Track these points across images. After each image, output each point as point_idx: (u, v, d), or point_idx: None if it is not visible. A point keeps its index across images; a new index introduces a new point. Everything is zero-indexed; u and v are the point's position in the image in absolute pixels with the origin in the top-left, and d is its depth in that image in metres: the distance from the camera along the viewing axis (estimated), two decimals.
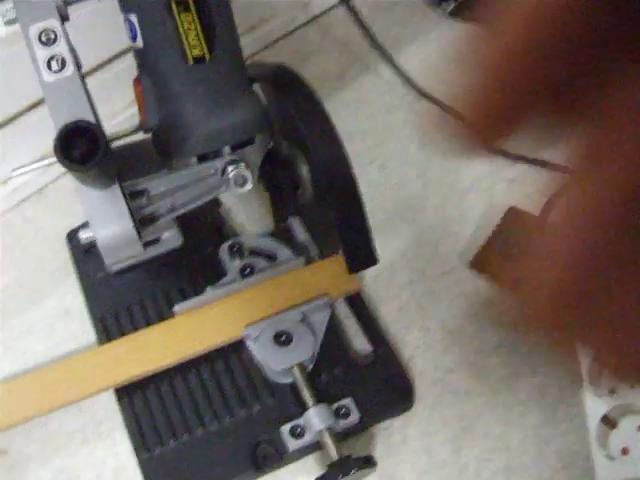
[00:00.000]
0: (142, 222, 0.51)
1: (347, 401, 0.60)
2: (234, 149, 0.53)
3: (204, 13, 0.49)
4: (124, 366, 0.62)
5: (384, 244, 0.71)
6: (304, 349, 0.61)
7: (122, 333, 0.64)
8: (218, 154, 0.52)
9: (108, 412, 0.62)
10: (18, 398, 0.61)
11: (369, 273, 0.70)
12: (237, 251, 0.65)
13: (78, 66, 0.49)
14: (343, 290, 0.65)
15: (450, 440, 0.62)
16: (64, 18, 0.48)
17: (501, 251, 0.64)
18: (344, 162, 0.52)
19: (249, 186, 0.51)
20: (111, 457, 0.61)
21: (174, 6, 0.48)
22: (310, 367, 0.62)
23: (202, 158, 0.52)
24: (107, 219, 0.47)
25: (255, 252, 0.65)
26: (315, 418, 0.58)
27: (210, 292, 0.63)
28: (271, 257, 0.66)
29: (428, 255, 0.71)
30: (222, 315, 0.63)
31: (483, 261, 0.66)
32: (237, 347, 0.63)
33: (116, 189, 0.47)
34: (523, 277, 0.22)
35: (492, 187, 0.74)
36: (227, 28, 0.51)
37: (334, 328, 0.65)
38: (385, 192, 0.75)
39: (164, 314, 0.64)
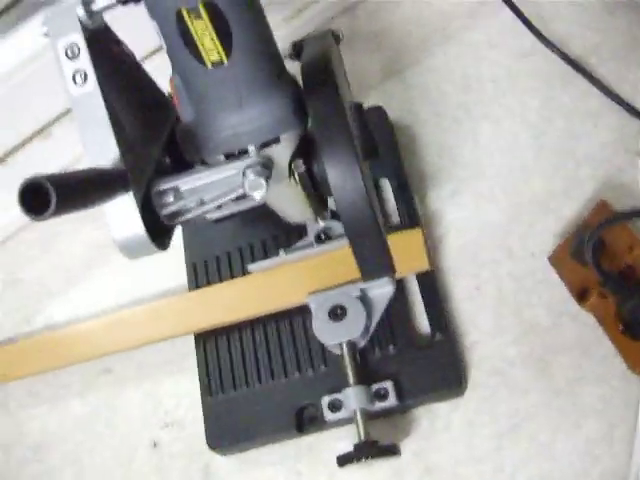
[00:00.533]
0: (171, 217, 0.54)
1: (388, 384, 0.61)
2: (260, 148, 0.53)
3: (217, 18, 0.48)
4: (204, 315, 0.68)
5: (476, 213, 0.68)
6: (355, 326, 0.62)
7: (209, 282, 0.70)
8: (243, 153, 0.53)
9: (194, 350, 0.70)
10: (121, 329, 0.71)
11: (452, 243, 0.68)
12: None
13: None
14: (409, 268, 0.64)
15: (494, 436, 0.61)
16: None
17: (575, 252, 0.58)
18: (361, 203, 0.50)
19: (258, 196, 0.52)
20: (189, 392, 0.69)
21: (185, 14, 0.48)
22: (362, 343, 0.63)
23: (229, 156, 0.54)
24: (120, 224, 0.51)
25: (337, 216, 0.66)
26: (352, 397, 0.60)
27: (282, 255, 0.65)
28: None
29: (521, 232, 0.66)
30: (290, 280, 0.66)
31: (558, 257, 0.61)
32: (302, 311, 0.66)
33: (129, 198, 0.51)
34: None
35: (612, 160, 0.66)
36: (247, 28, 0.50)
37: (398, 305, 0.65)
38: (492, 153, 0.69)
39: (246, 268, 0.69)
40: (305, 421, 0.63)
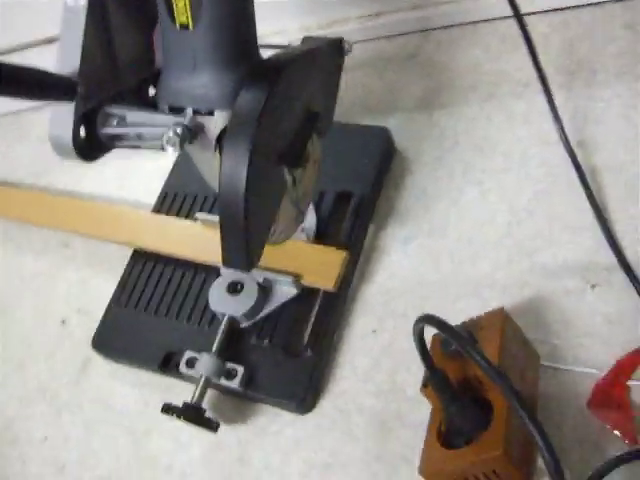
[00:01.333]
0: (110, 138, 0.60)
1: (240, 368, 0.64)
2: (195, 113, 0.57)
3: None
4: (150, 237, 0.74)
5: (415, 266, 0.68)
6: (242, 306, 0.66)
7: (168, 212, 0.76)
8: (181, 112, 0.57)
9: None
10: (86, 216, 0.79)
11: (379, 281, 0.69)
12: None
13: None
14: (315, 281, 0.66)
15: (308, 464, 0.62)
16: None
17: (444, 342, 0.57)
18: (236, 196, 0.52)
19: (170, 151, 0.56)
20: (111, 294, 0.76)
21: None
22: (245, 324, 0.67)
23: (172, 109, 0.58)
24: (56, 125, 0.58)
25: None
26: (204, 362, 0.64)
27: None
28: None
29: (441, 304, 0.65)
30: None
31: (434, 341, 0.60)
32: (218, 272, 0.70)
33: (71, 107, 0.57)
34: None
35: (564, 282, 0.64)
36: (218, 4, 0.54)
37: (298, 311, 0.67)
38: (463, 219, 0.69)
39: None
40: (168, 364, 0.68)
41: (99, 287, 0.76)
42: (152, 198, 0.78)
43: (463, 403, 0.54)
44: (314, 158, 0.64)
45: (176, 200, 0.76)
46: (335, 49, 0.63)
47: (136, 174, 0.82)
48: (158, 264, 0.73)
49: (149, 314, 0.71)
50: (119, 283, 0.73)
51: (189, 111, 0.57)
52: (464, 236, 0.69)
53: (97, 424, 0.70)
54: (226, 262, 0.56)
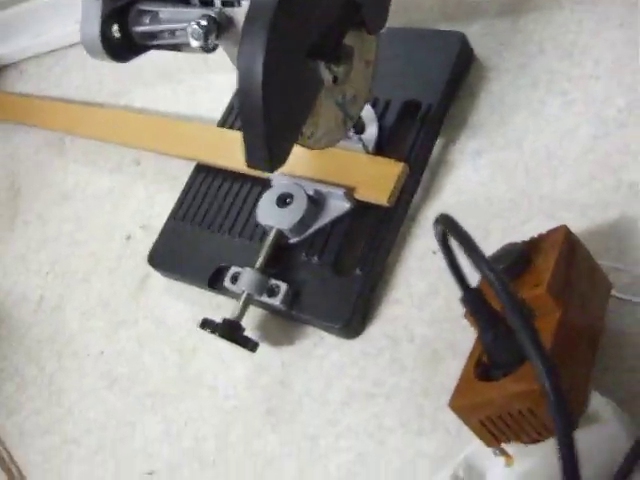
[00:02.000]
0: (143, 36, 0.57)
1: (283, 286, 0.59)
2: (224, 4, 0.52)
3: None
4: (213, 152, 0.70)
5: (485, 182, 0.61)
6: (290, 219, 0.61)
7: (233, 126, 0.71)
8: (212, 4, 0.53)
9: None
10: (153, 132, 0.76)
11: (443, 198, 0.62)
12: None
13: None
14: (368, 194, 0.60)
15: (349, 392, 0.57)
16: None
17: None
18: (254, 92, 0.47)
19: (195, 45, 0.51)
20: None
21: None
22: (293, 239, 0.62)
23: (202, 3, 0.54)
24: (85, 24, 0.55)
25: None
26: (245, 278, 0.60)
27: None
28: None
29: (509, 224, 0.58)
30: None
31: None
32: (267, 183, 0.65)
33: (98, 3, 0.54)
34: None
35: None
36: None
37: (351, 227, 0.61)
38: (542, 131, 0.60)
39: None
40: (218, 280, 0.65)
41: (164, 203, 0.73)
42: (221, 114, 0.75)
43: (502, 330, 0.46)
44: (366, 58, 0.57)
45: None
46: None
47: (208, 89, 0.79)
48: (217, 178, 0.69)
49: (203, 228, 0.68)
50: (178, 198, 0.70)
51: (217, 2, 0.53)
52: (542, 150, 0.60)
53: (149, 340, 0.68)
54: (248, 160, 0.51)
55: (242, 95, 0.48)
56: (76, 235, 0.79)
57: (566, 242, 0.49)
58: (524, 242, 0.51)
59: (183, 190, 0.71)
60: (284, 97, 0.49)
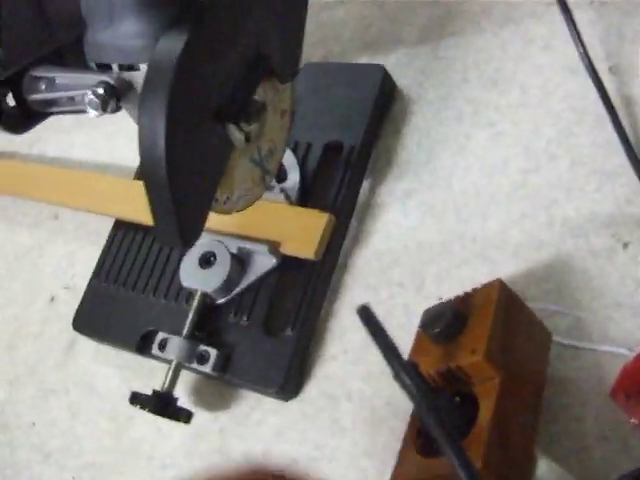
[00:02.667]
0: (40, 104, 0.52)
1: (213, 352, 0.55)
2: (121, 68, 0.48)
3: None
4: (130, 206, 0.66)
5: (415, 226, 0.58)
6: (214, 280, 0.57)
7: None
8: (108, 68, 0.48)
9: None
10: (73, 187, 0.71)
11: (374, 245, 0.58)
12: None
13: None
14: (294, 249, 0.56)
15: (289, 458, 0.54)
16: None
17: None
18: (157, 166, 0.43)
19: (93, 115, 0.47)
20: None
21: None
22: (220, 300, 0.58)
23: (100, 66, 0.49)
24: None
25: None
26: (174, 346, 0.56)
27: None
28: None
29: (442, 269, 0.54)
30: None
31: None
32: None
33: None
34: None
35: (589, 239, 0.51)
36: None
37: (280, 284, 0.58)
38: (470, 168, 0.57)
39: None
40: (146, 345, 0.61)
41: (87, 260, 0.69)
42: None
43: (439, 402, 0.43)
44: (281, 107, 0.53)
45: None
46: None
47: (126, 135, 0.74)
48: (138, 234, 0.65)
49: (128, 290, 0.63)
50: (99, 258, 0.66)
51: (115, 67, 0.48)
52: (471, 188, 0.57)
53: (82, 409, 0.64)
54: (158, 239, 0.47)
55: (145, 170, 0.44)
56: None
57: (501, 298, 0.46)
58: (458, 298, 0.48)
59: (103, 249, 0.66)
60: (191, 166, 0.45)
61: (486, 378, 0.43)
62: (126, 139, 0.73)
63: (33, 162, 0.77)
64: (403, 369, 0.36)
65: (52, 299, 0.70)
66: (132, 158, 0.71)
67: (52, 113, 0.53)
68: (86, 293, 0.65)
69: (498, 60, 0.60)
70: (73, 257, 0.71)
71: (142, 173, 0.44)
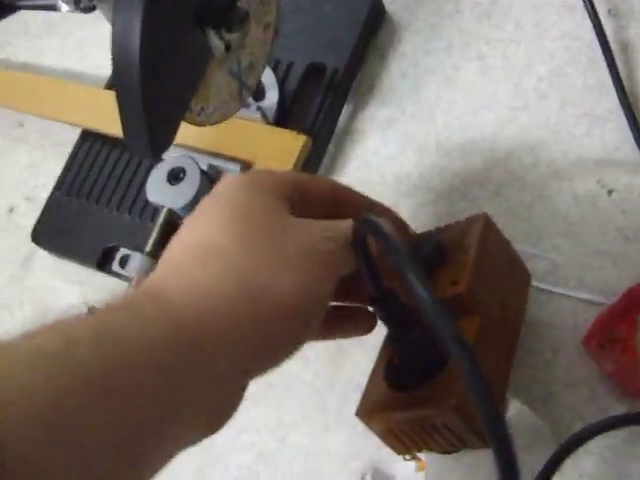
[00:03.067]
0: None
1: None
2: None
3: None
4: (98, 116, 0.62)
5: (393, 156, 0.55)
6: (182, 197, 0.54)
7: None
8: None
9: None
10: (40, 94, 0.67)
11: (348, 173, 0.56)
12: None
13: None
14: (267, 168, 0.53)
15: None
16: None
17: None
18: (131, 67, 0.39)
19: (65, 8, 0.44)
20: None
21: None
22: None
23: None
24: None
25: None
26: (135, 261, 0.54)
27: None
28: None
29: (412, 204, 0.52)
30: None
31: None
32: None
33: None
34: None
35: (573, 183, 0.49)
36: None
37: None
38: (456, 101, 0.54)
39: None
40: (107, 262, 0.58)
41: (50, 172, 0.65)
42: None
43: (417, 336, 0.41)
44: (264, 20, 0.50)
45: None
46: None
47: (99, 44, 0.69)
48: (105, 147, 0.62)
49: (91, 203, 0.60)
50: (63, 169, 0.63)
51: None
52: (455, 122, 0.54)
53: (35, 325, 0.61)
54: (127, 146, 0.44)
55: (117, 73, 0.41)
56: None
57: (485, 233, 0.43)
58: (439, 229, 0.46)
59: (68, 160, 0.63)
60: (166, 72, 0.42)
61: (467, 312, 0.41)
62: (99, 46, 0.69)
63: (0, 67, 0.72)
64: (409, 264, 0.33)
65: (11, 210, 0.66)
66: (105, 66, 0.67)
67: (21, 7, 0.49)
68: (47, 205, 0.62)
69: None
70: (36, 168, 0.67)
71: (114, 77, 0.41)
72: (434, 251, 0.43)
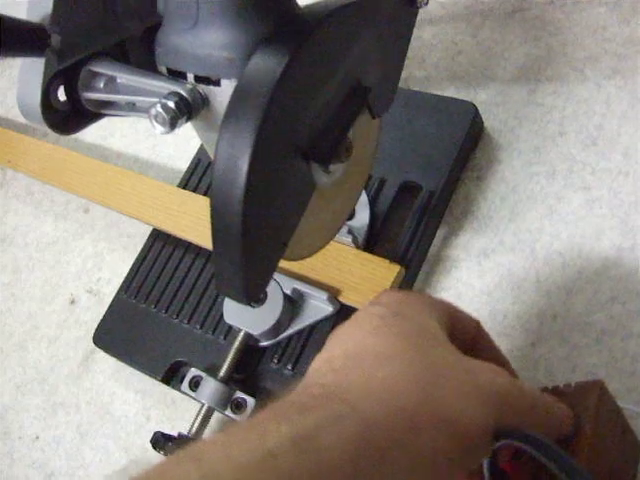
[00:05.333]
0: (96, 105, 0.44)
1: (251, 401, 0.48)
2: (198, 80, 0.40)
3: None
4: (171, 217, 0.58)
5: (488, 288, 0.50)
6: (260, 324, 0.50)
7: (198, 185, 0.59)
8: (182, 76, 0.40)
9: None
10: (109, 184, 0.63)
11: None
12: None
13: None
14: (355, 300, 0.49)
15: None
16: None
17: None
18: (233, 205, 0.35)
19: (159, 131, 0.39)
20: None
21: None
22: (265, 343, 0.51)
23: (172, 72, 0.41)
24: (24, 83, 0.42)
25: None
26: (207, 389, 0.49)
27: None
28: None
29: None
30: None
31: None
32: None
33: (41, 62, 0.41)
34: None
35: None
36: None
37: (328, 334, 0.50)
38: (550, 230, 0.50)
39: None
40: (174, 376, 0.54)
41: (115, 266, 0.62)
42: (185, 164, 0.62)
43: None
44: (365, 144, 0.46)
45: (207, 171, 0.59)
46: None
47: (175, 133, 0.66)
48: (177, 250, 0.58)
49: (159, 311, 0.56)
50: (131, 268, 0.59)
51: (190, 77, 0.40)
52: (557, 258, 0.50)
53: (92, 431, 0.57)
54: (218, 289, 0.40)
55: (217, 210, 0.36)
56: (13, 289, 0.66)
57: (601, 404, 0.39)
58: (545, 389, 0.41)
59: (137, 259, 0.59)
60: (270, 210, 0.38)
61: None
62: (173, 136, 0.65)
63: (67, 147, 0.68)
64: None
65: (72, 301, 0.62)
66: (178, 158, 0.63)
67: (106, 115, 0.45)
68: (111, 306, 0.58)
69: (600, 116, 0.53)
70: (100, 259, 0.63)
71: (211, 206, 0.37)
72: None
